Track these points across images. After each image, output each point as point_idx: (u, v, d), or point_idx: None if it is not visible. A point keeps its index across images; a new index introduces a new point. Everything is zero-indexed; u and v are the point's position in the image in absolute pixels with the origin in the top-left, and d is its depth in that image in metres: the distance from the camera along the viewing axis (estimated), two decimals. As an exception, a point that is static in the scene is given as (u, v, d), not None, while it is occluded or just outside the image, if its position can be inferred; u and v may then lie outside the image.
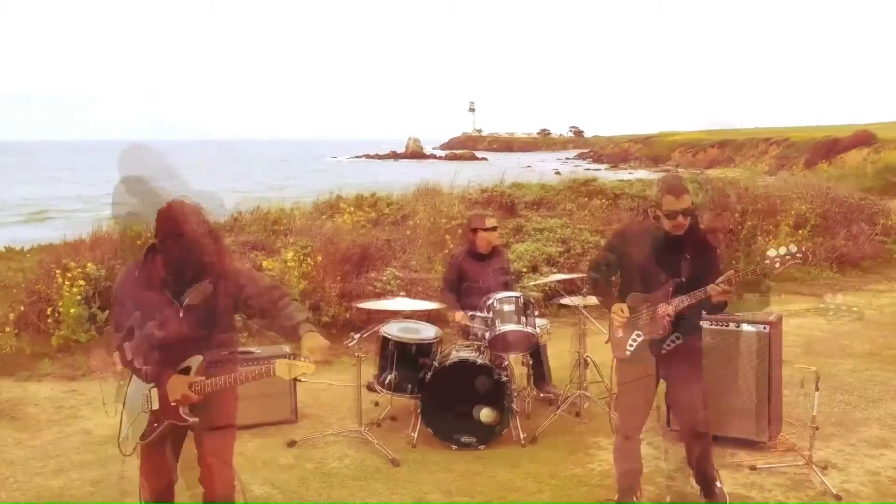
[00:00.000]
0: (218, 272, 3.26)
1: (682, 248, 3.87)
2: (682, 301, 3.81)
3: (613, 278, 4.16)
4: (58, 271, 7.52)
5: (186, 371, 3.28)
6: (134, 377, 3.41)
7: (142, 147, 4.00)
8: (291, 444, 5.20)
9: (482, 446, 5.09)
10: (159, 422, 3.33)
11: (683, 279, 3.84)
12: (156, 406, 3.32)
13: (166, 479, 3.49)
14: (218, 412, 3.38)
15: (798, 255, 3.76)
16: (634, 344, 3.97)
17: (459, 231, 9.22)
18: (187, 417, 3.29)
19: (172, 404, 3.28)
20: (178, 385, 3.24)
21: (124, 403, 3.49)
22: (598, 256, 4.31)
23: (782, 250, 3.78)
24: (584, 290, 6.65)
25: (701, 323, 4.20)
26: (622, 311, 3.92)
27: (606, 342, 4.19)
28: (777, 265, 3.78)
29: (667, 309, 3.83)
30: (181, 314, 3.23)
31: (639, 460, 4.16)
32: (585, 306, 5.76)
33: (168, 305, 3.22)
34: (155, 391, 3.33)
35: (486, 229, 5.96)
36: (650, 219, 4.00)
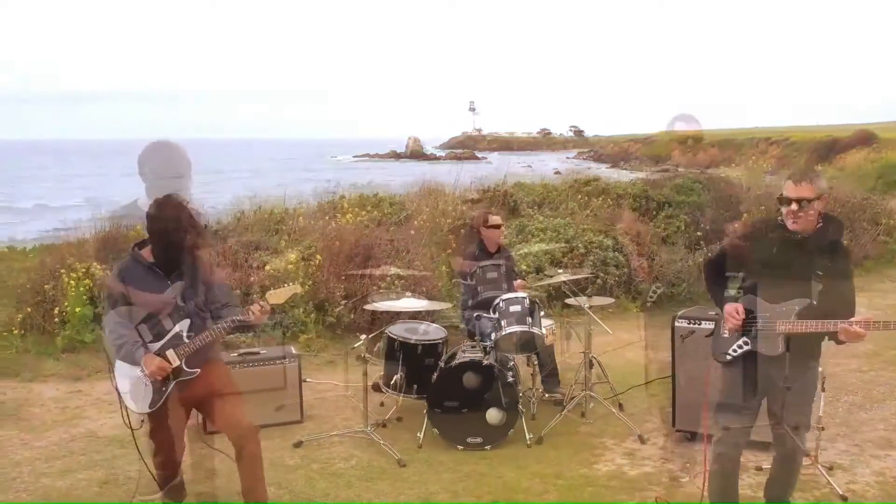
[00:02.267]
0: (196, 256, 3.87)
1: (814, 259, 3.48)
2: (808, 326, 3.45)
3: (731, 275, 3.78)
4: (63, 271, 7.52)
5: (177, 337, 3.82)
6: (118, 362, 3.86)
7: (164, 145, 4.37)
8: (298, 444, 5.20)
9: (488, 447, 5.09)
10: (166, 385, 3.82)
11: (814, 302, 3.47)
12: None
13: (178, 444, 3.98)
14: (218, 379, 3.95)
15: None
16: (738, 351, 3.66)
17: (462, 231, 9.22)
18: (190, 370, 3.84)
19: (161, 373, 3.77)
20: (150, 362, 3.77)
21: (117, 389, 3.92)
22: (717, 256, 3.91)
23: None
24: (589, 290, 6.66)
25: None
26: (738, 313, 3.59)
27: (708, 336, 3.92)
28: None
29: (787, 328, 3.50)
30: (170, 287, 3.82)
31: (734, 473, 3.77)
32: (591, 307, 5.76)
33: (160, 281, 3.81)
34: None
35: (490, 227, 6.04)
36: (778, 217, 3.61)
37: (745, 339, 3.64)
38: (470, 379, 5.15)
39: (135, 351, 3.77)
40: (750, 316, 3.63)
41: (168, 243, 3.76)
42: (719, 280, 3.77)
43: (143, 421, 3.93)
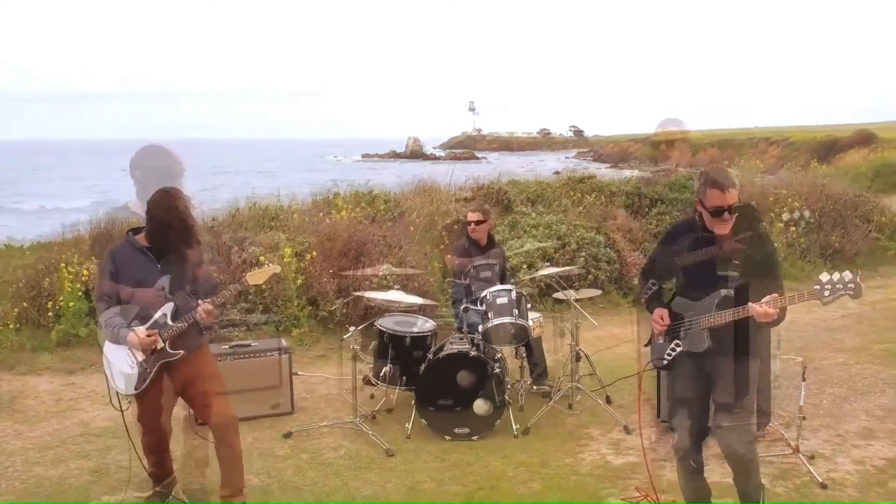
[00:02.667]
0: (188, 246, 3.95)
1: (732, 251, 3.49)
2: (724, 317, 3.49)
3: (667, 285, 3.86)
4: (62, 265, 7.59)
5: (161, 320, 3.91)
6: (107, 344, 3.96)
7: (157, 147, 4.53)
8: (287, 435, 5.27)
9: (475, 437, 5.16)
10: (151, 366, 3.90)
11: (732, 290, 3.49)
12: (141, 357, 3.90)
13: (165, 424, 4.06)
14: (203, 368, 4.06)
15: (851, 285, 3.28)
16: (673, 354, 3.70)
17: (455, 227, 9.29)
18: (173, 352, 3.91)
19: (156, 348, 3.88)
20: (135, 336, 3.84)
21: (105, 372, 4.04)
22: (647, 264, 3.98)
23: (836, 276, 3.29)
24: (577, 284, 6.72)
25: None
26: (662, 319, 3.69)
27: (646, 345, 3.94)
28: (827, 294, 3.29)
29: (710, 321, 3.53)
30: (160, 270, 3.92)
31: (698, 471, 3.78)
32: (578, 300, 5.83)
33: (151, 265, 3.91)
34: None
35: (468, 222, 6.24)
36: (695, 217, 3.64)
37: (676, 341, 3.69)
38: (463, 377, 5.21)
39: (119, 331, 3.85)
40: (678, 318, 3.68)
41: (163, 227, 3.84)
42: (651, 287, 3.83)
43: (129, 402, 4.03)
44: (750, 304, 3.39)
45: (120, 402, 4.04)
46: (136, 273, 3.89)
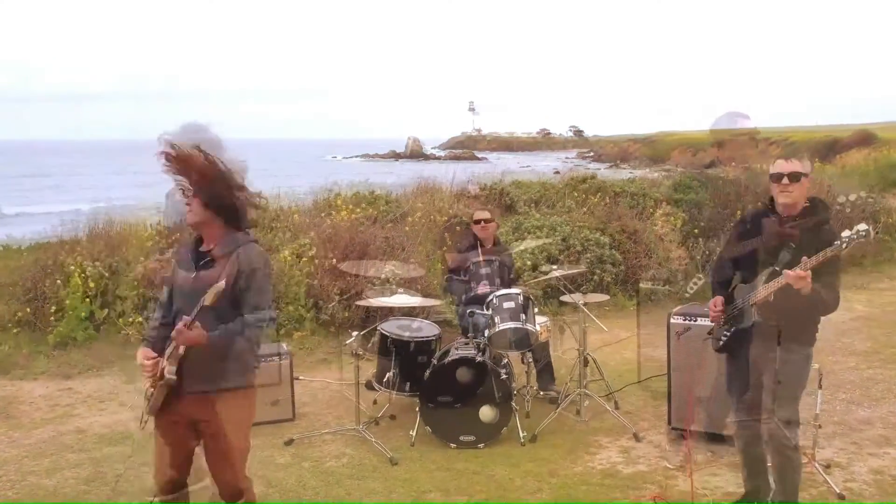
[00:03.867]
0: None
1: (786, 232, 3.59)
2: (766, 290, 3.58)
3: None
4: (70, 264, 7.48)
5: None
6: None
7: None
8: (289, 442, 5.14)
9: (481, 445, 5.03)
10: (155, 387, 3.27)
11: (778, 267, 3.56)
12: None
13: (169, 467, 3.38)
14: (227, 418, 3.29)
15: (863, 233, 3.42)
16: (725, 337, 3.84)
17: (458, 228, 9.17)
18: (168, 375, 3.19)
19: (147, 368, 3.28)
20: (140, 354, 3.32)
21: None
22: (719, 259, 4.10)
23: (854, 230, 3.43)
24: (584, 287, 6.60)
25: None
26: (715, 306, 3.83)
27: (709, 333, 4.02)
28: (843, 246, 3.42)
29: (755, 298, 3.64)
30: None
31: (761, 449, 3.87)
32: (586, 303, 5.70)
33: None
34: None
35: (475, 222, 6.09)
36: (763, 205, 3.79)
37: (728, 325, 3.83)
38: (463, 374, 5.09)
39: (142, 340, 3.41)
40: (733, 303, 3.79)
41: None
42: (722, 282, 3.92)
43: (145, 421, 3.41)
44: (785, 272, 3.45)
45: (143, 420, 3.43)
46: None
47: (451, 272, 6.07)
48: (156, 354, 3.31)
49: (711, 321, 3.92)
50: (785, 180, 3.58)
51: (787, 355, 3.63)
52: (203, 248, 3.33)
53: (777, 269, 3.56)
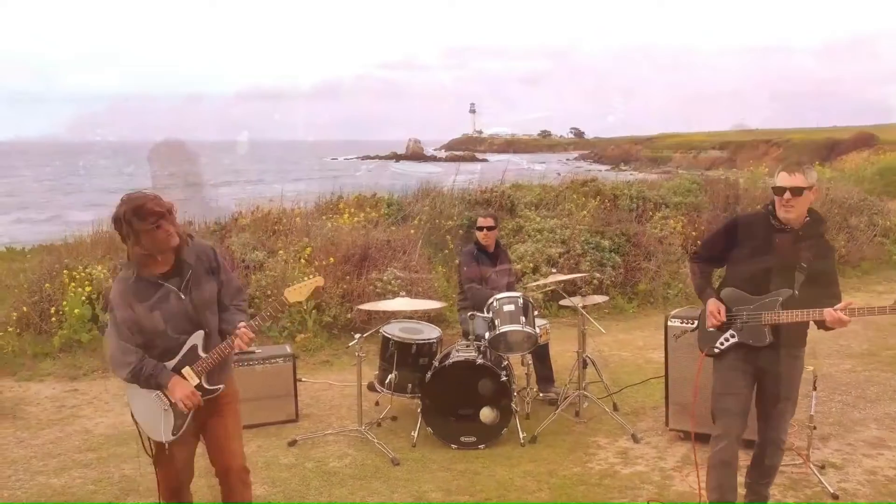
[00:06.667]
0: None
1: (798, 251, 3.57)
2: (794, 316, 3.55)
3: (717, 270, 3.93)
4: (65, 272, 7.55)
5: (193, 351, 3.27)
6: (131, 387, 3.31)
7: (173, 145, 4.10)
8: (292, 443, 5.22)
9: (482, 446, 5.11)
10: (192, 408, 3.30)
11: (796, 292, 3.57)
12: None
13: (187, 475, 3.47)
14: (227, 402, 3.45)
15: None
16: (726, 344, 3.73)
17: (460, 231, 9.24)
18: (212, 388, 3.32)
19: (192, 401, 3.27)
20: (176, 387, 3.25)
21: (132, 415, 3.40)
22: (702, 248, 4.05)
23: None
24: (583, 289, 6.67)
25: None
26: (719, 313, 3.70)
27: (693, 330, 3.99)
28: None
29: (774, 319, 3.59)
30: (183, 298, 3.25)
31: (734, 464, 3.72)
32: (585, 307, 5.78)
33: (172, 292, 3.23)
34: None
35: (479, 227, 6.17)
36: (766, 211, 3.70)
37: (731, 332, 3.74)
38: (485, 386, 5.15)
39: (158, 373, 3.23)
40: (732, 310, 3.73)
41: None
42: (704, 273, 3.92)
43: (168, 442, 3.33)
44: (826, 309, 3.47)
45: (153, 449, 3.36)
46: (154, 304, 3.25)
47: (470, 282, 6.09)
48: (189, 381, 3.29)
49: (710, 327, 3.77)
50: (787, 195, 3.54)
51: (792, 361, 3.69)
52: (158, 272, 3.24)
53: (794, 293, 3.57)
